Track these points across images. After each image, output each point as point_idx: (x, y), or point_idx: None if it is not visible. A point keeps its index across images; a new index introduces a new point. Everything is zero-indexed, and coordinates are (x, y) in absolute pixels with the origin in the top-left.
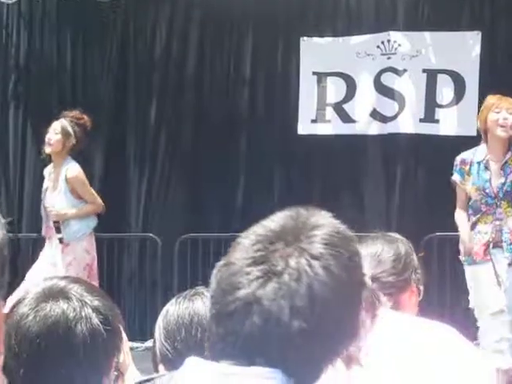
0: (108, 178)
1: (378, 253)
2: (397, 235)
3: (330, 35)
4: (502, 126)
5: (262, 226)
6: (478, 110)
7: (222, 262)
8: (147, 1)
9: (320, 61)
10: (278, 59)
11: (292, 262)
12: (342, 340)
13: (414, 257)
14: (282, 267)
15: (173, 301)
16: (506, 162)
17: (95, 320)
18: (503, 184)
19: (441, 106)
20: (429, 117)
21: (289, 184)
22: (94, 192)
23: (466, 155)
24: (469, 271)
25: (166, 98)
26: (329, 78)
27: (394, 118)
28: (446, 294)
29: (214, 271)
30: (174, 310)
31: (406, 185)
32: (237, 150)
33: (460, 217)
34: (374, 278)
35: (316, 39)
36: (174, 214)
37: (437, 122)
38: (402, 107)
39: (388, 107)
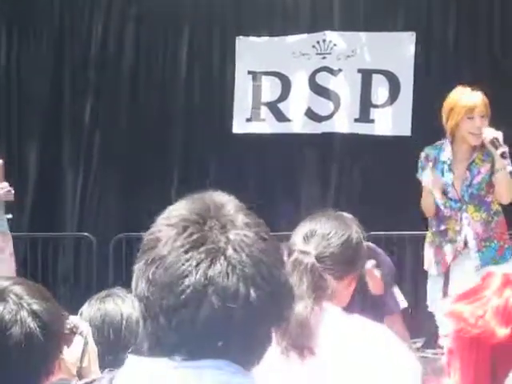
0: (42, 176)
1: (329, 235)
2: (352, 217)
3: (266, 34)
4: (474, 134)
5: (173, 215)
6: (413, 111)
7: (144, 261)
8: None
9: (255, 60)
10: (213, 58)
11: (231, 235)
12: (287, 305)
13: (364, 244)
14: (225, 242)
15: (86, 303)
16: (472, 161)
17: (31, 324)
18: (468, 186)
19: (376, 106)
20: (364, 117)
21: (223, 183)
22: None
23: (429, 151)
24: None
25: (101, 96)
26: (264, 77)
27: (329, 117)
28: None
29: (137, 272)
30: (86, 311)
31: (341, 184)
32: (172, 149)
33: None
34: (320, 258)
35: (252, 38)
36: (109, 213)
37: (372, 121)
38: (337, 107)
39: (323, 107)
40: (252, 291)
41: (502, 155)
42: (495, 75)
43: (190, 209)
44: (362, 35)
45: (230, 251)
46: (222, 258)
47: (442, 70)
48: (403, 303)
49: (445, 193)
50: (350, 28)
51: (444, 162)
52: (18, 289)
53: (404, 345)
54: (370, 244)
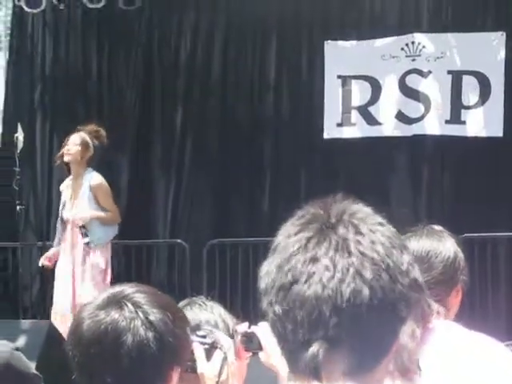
0: (135, 184)
1: (426, 255)
2: (443, 230)
3: (354, 38)
4: None
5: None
6: (504, 111)
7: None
8: (172, 7)
9: (344, 64)
10: (302, 63)
11: (345, 217)
12: (412, 297)
13: (461, 254)
14: (337, 221)
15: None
16: None
17: (144, 333)
18: None
19: (467, 107)
20: (455, 118)
21: (315, 188)
22: (114, 203)
23: None
24: None
25: (191, 104)
26: (353, 81)
27: (420, 119)
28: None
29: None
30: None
31: (433, 187)
32: (262, 156)
33: None
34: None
35: (340, 42)
36: (201, 219)
37: (463, 123)
38: (427, 109)
39: (413, 109)
40: (367, 269)
41: None
42: None
43: (312, 208)
44: (451, 36)
45: (341, 229)
46: (333, 234)
47: None
48: None
49: None
50: (438, 29)
51: None
52: (138, 297)
53: None
54: None
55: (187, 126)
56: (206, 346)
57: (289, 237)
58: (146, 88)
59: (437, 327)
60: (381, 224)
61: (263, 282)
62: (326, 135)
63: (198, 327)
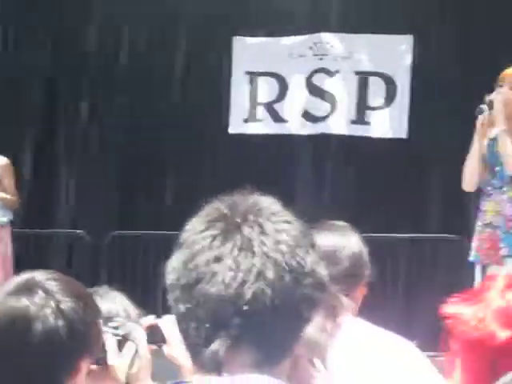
0: (38, 176)
1: (333, 250)
2: (347, 225)
3: (263, 35)
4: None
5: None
6: (409, 114)
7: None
8: None
9: (252, 60)
10: (210, 58)
11: (251, 217)
12: (315, 294)
13: (365, 250)
14: (243, 220)
15: None
16: None
17: (54, 321)
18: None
19: (372, 108)
20: (360, 119)
21: (219, 183)
22: (15, 188)
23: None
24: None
25: (96, 96)
26: (261, 78)
27: (326, 118)
28: None
29: (169, 271)
30: None
31: (336, 185)
32: (167, 149)
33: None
34: (331, 279)
35: (249, 39)
36: (103, 211)
37: (368, 123)
38: (333, 108)
39: (320, 108)
40: (270, 269)
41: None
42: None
43: (218, 205)
44: (359, 37)
45: (246, 229)
46: (238, 234)
47: (439, 73)
48: None
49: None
50: (347, 30)
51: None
52: (50, 284)
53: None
54: None
55: (92, 117)
56: (119, 338)
57: (195, 234)
58: (50, 80)
59: (343, 322)
60: (288, 222)
61: (169, 279)
62: (231, 130)
63: (110, 318)
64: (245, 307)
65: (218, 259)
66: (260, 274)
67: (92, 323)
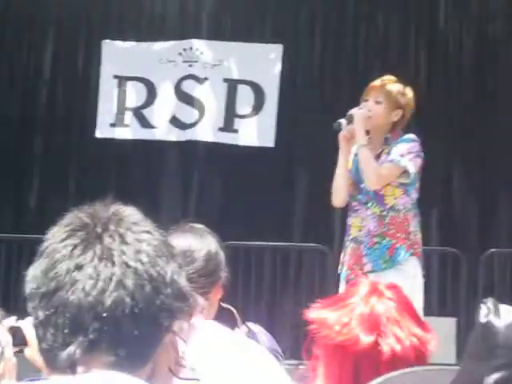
0: None
1: (189, 249)
2: (204, 228)
3: (133, 39)
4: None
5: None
6: (277, 122)
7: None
8: None
9: (121, 64)
10: (79, 61)
11: (111, 226)
12: (177, 305)
13: (222, 252)
14: (104, 229)
15: None
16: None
17: None
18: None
19: (240, 116)
20: (228, 126)
21: (85, 187)
22: None
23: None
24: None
25: None
26: (129, 83)
27: (194, 125)
28: None
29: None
30: None
31: (203, 193)
32: (32, 151)
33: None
34: (186, 278)
35: (118, 42)
36: None
37: (236, 131)
38: (201, 115)
39: (188, 114)
40: (130, 279)
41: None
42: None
43: (80, 214)
44: (229, 45)
45: (107, 239)
46: (99, 244)
47: (307, 83)
48: None
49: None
50: (217, 37)
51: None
52: None
53: (270, 355)
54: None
55: None
56: None
57: (55, 242)
58: None
59: (196, 323)
60: (148, 232)
61: (28, 287)
62: (98, 134)
63: None
64: (104, 314)
65: (78, 268)
66: (120, 283)
67: None
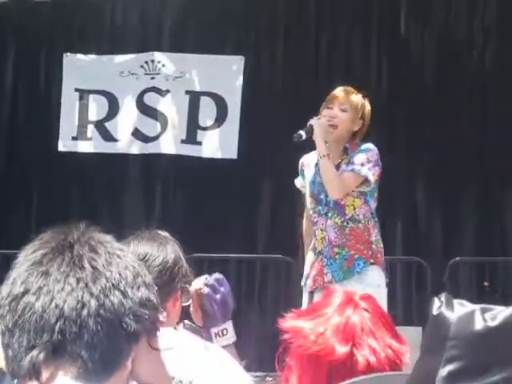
0: None
1: (143, 259)
2: (167, 236)
3: (95, 53)
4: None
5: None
6: (239, 134)
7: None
8: None
9: (83, 78)
10: (40, 74)
11: (83, 238)
12: (138, 314)
13: (184, 262)
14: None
15: None
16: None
17: None
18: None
19: (203, 128)
20: (191, 138)
21: (48, 200)
22: None
23: (309, 156)
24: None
25: None
26: (91, 96)
27: (156, 138)
28: None
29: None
30: None
31: (166, 205)
32: None
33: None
34: None
35: (80, 56)
36: None
37: (199, 143)
38: (164, 128)
39: (150, 127)
40: (97, 283)
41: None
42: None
43: (54, 230)
44: (191, 57)
45: (77, 248)
46: (69, 252)
47: (269, 94)
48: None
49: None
50: (178, 50)
51: (315, 165)
52: None
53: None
54: (213, 278)
55: None
56: None
57: (26, 256)
58: None
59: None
60: (120, 249)
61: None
62: (61, 147)
63: None
64: (70, 316)
65: (46, 273)
66: (87, 286)
67: None
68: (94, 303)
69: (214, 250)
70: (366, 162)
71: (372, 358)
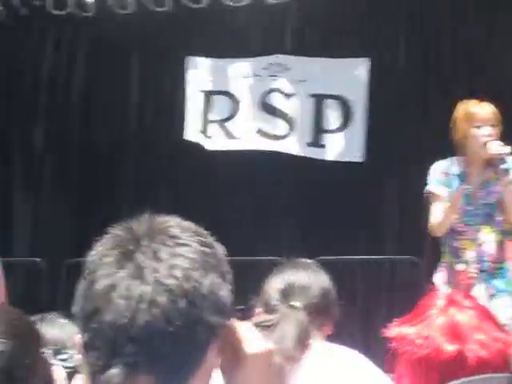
0: None
1: (308, 286)
2: (316, 265)
3: (217, 55)
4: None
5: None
6: (365, 136)
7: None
8: (31, 23)
9: (206, 79)
10: (164, 78)
11: (144, 242)
12: (215, 318)
13: (333, 289)
14: (135, 245)
15: None
16: (487, 178)
17: None
18: (485, 204)
19: (327, 132)
20: (315, 141)
21: (189, 201)
22: None
23: (444, 164)
24: None
25: (52, 121)
26: (215, 96)
27: (283, 137)
28: None
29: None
30: None
31: (290, 207)
32: (123, 174)
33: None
34: (306, 311)
35: (202, 59)
36: (61, 238)
37: (323, 146)
38: (291, 129)
39: (275, 126)
40: (162, 296)
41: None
42: (445, 100)
43: (117, 231)
44: (315, 60)
45: (139, 257)
46: (131, 262)
47: (396, 96)
48: None
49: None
50: (302, 53)
51: (458, 176)
52: None
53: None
54: None
55: (47, 144)
56: (68, 370)
57: (94, 261)
58: (4, 104)
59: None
60: (185, 245)
61: (75, 307)
62: (186, 137)
63: (59, 350)
64: (138, 335)
65: (112, 288)
66: (152, 302)
67: (33, 363)
68: (161, 318)
69: (339, 252)
70: None
71: (482, 352)
